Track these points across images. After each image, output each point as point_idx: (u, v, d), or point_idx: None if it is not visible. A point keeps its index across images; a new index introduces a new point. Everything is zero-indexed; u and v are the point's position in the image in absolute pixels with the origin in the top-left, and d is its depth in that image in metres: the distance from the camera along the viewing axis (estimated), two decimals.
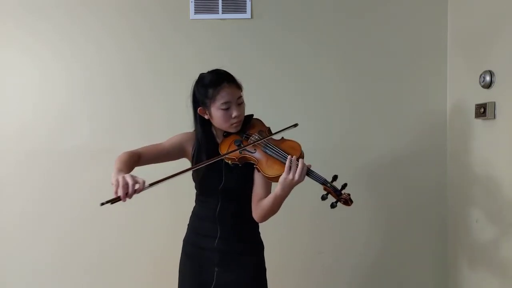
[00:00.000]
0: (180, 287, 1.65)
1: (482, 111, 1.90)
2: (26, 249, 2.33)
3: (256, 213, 1.53)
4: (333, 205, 1.37)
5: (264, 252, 1.68)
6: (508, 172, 1.78)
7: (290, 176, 1.35)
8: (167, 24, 2.31)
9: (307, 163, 1.39)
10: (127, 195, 1.26)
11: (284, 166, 1.37)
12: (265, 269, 1.66)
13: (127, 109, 2.32)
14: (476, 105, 1.96)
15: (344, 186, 1.40)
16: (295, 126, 1.54)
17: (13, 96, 2.32)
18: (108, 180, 2.28)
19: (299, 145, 1.47)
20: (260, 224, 1.69)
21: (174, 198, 2.29)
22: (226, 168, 1.54)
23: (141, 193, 2.35)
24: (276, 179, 1.41)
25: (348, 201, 1.37)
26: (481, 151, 1.98)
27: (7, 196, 2.33)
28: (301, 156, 1.43)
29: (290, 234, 2.31)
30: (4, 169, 2.33)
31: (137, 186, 1.28)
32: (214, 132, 1.60)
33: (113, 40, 2.32)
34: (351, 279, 2.33)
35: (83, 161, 2.32)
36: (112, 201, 1.25)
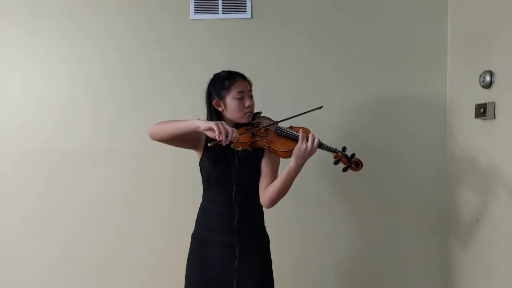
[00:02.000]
0: (187, 280, 1.68)
1: (482, 111, 1.90)
2: (26, 249, 2.33)
3: (265, 198, 1.58)
4: (344, 169, 1.51)
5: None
6: (508, 172, 1.79)
7: (304, 145, 1.45)
8: (167, 24, 2.31)
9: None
10: (227, 139, 1.42)
11: (296, 143, 1.48)
12: (271, 261, 1.69)
13: (127, 109, 2.31)
14: (476, 105, 1.96)
15: (353, 155, 1.51)
16: (319, 108, 1.63)
17: (13, 96, 2.32)
18: (108, 180, 2.32)
19: (309, 130, 1.55)
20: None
21: (174, 197, 2.30)
22: (237, 157, 1.62)
23: (141, 190, 2.37)
24: (289, 153, 1.49)
25: (359, 163, 1.48)
26: (481, 151, 1.98)
27: (7, 196, 2.33)
28: None
29: (290, 233, 2.31)
30: (4, 169, 2.33)
31: (234, 134, 1.44)
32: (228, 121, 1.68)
33: (113, 40, 2.32)
34: (351, 277, 2.33)
35: (83, 161, 2.32)
36: (216, 143, 1.44)
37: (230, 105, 1.61)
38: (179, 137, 1.57)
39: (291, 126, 1.62)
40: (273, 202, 1.57)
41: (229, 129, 1.43)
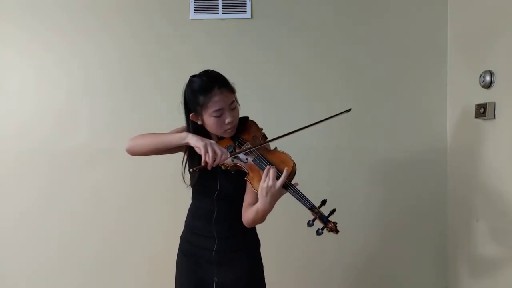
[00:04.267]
0: (177, 283, 1.66)
1: (482, 111, 1.90)
2: (25, 248, 2.33)
3: (244, 219, 1.52)
4: (318, 232, 1.30)
5: (263, 250, 1.68)
6: (508, 172, 1.78)
7: (265, 183, 1.32)
8: (167, 24, 2.31)
9: (295, 182, 1.36)
10: (214, 163, 1.33)
11: None
12: (261, 264, 1.66)
13: (126, 109, 2.31)
14: (476, 105, 1.96)
15: (332, 212, 1.33)
16: (348, 111, 1.51)
17: (13, 96, 2.32)
18: (108, 180, 2.31)
19: (291, 159, 1.40)
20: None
21: (174, 197, 2.29)
22: (221, 174, 1.52)
23: (141, 191, 2.37)
24: None
25: (333, 231, 1.30)
26: (481, 151, 1.98)
27: (7, 196, 2.33)
28: (293, 170, 1.38)
29: (289, 233, 2.31)
30: (3, 169, 2.32)
31: (223, 156, 1.34)
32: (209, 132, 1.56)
33: (113, 40, 2.32)
34: (351, 278, 2.33)
35: (83, 161, 2.32)
36: (200, 168, 1.34)
37: (208, 122, 1.45)
38: (164, 151, 1.50)
39: (276, 148, 1.48)
40: (251, 225, 1.50)
41: (219, 151, 1.32)
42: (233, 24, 2.31)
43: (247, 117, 1.59)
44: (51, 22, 2.31)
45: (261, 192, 1.34)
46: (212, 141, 1.36)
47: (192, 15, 2.30)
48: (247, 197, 1.51)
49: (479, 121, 1.97)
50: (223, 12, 2.30)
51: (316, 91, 2.31)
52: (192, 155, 1.52)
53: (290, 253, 2.31)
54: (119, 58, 2.32)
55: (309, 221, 1.32)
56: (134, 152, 1.54)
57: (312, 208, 1.33)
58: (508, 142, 1.78)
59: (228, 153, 1.37)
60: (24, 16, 2.31)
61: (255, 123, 1.59)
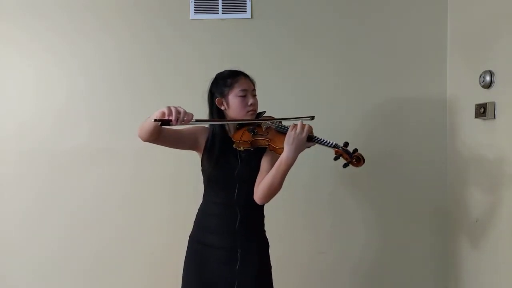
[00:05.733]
0: (184, 283, 1.66)
1: (482, 111, 1.90)
2: (25, 248, 2.33)
3: (257, 193, 1.54)
4: (345, 165, 1.44)
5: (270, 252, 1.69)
6: (508, 172, 1.78)
7: (292, 131, 1.43)
8: (167, 24, 2.31)
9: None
10: (178, 120, 1.37)
11: None
12: (270, 266, 1.68)
13: (126, 110, 2.31)
14: (476, 105, 1.96)
15: (355, 150, 1.45)
16: (312, 119, 1.61)
17: (13, 96, 2.32)
18: (108, 180, 2.31)
19: (311, 127, 1.52)
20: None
21: (174, 198, 2.30)
22: (240, 156, 1.60)
23: (141, 191, 2.37)
24: None
25: (360, 158, 1.42)
26: (481, 151, 1.98)
27: (7, 196, 2.33)
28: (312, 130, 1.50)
29: (290, 233, 2.31)
30: (3, 169, 2.32)
31: (187, 116, 1.39)
32: (227, 127, 1.66)
33: (113, 40, 2.32)
34: (351, 278, 2.33)
35: (83, 161, 2.32)
36: (163, 122, 1.37)
37: (233, 103, 1.58)
38: (160, 134, 1.52)
39: (293, 124, 1.58)
40: (265, 198, 1.52)
41: (182, 110, 1.38)
42: (233, 24, 2.31)
43: (264, 111, 1.71)
44: (51, 22, 2.31)
45: (287, 140, 1.44)
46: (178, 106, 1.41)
47: (192, 15, 2.30)
48: (262, 175, 1.55)
49: (479, 121, 1.98)
50: (223, 12, 2.30)
51: (316, 91, 2.31)
52: (209, 148, 1.62)
53: (290, 254, 2.31)
54: (119, 58, 2.32)
55: (335, 156, 1.47)
56: (141, 138, 1.60)
57: (336, 146, 1.46)
58: (508, 142, 1.78)
59: (192, 115, 1.41)
60: (24, 16, 2.31)
61: (271, 116, 1.70)
